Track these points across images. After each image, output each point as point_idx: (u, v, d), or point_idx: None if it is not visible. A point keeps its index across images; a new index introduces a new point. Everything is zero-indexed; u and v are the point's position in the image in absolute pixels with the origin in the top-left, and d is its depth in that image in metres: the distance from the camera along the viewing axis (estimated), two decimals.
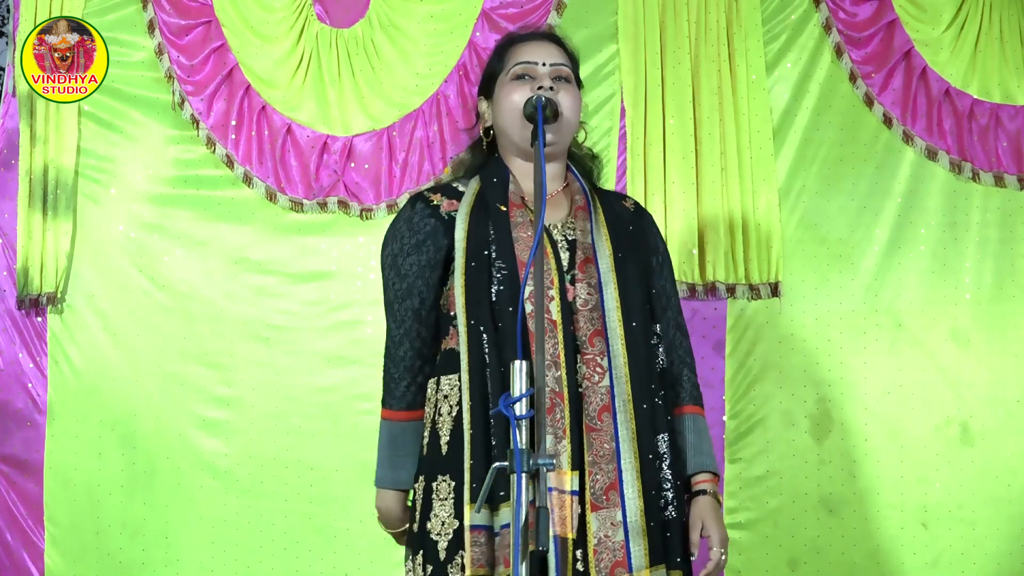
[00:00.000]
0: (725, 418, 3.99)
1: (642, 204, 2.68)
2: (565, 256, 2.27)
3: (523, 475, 1.80)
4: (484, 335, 2.19)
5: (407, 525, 2.35)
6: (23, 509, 3.95)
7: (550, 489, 2.09)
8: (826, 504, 3.97)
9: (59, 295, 3.98)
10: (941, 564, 3.95)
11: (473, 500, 2.13)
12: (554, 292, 2.21)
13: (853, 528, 3.96)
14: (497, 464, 1.89)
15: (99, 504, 3.95)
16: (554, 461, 1.83)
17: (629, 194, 3.90)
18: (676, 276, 2.47)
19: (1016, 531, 3.97)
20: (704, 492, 2.32)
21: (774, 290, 4.01)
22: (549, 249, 2.25)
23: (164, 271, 4.03)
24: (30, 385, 3.99)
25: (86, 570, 3.93)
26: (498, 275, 2.22)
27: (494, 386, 2.17)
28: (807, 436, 4.01)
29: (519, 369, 1.88)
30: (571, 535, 2.12)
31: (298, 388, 3.98)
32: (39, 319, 4.00)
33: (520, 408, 1.87)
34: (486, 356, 2.19)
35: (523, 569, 1.82)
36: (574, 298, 2.23)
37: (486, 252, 2.24)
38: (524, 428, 1.86)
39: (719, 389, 3.98)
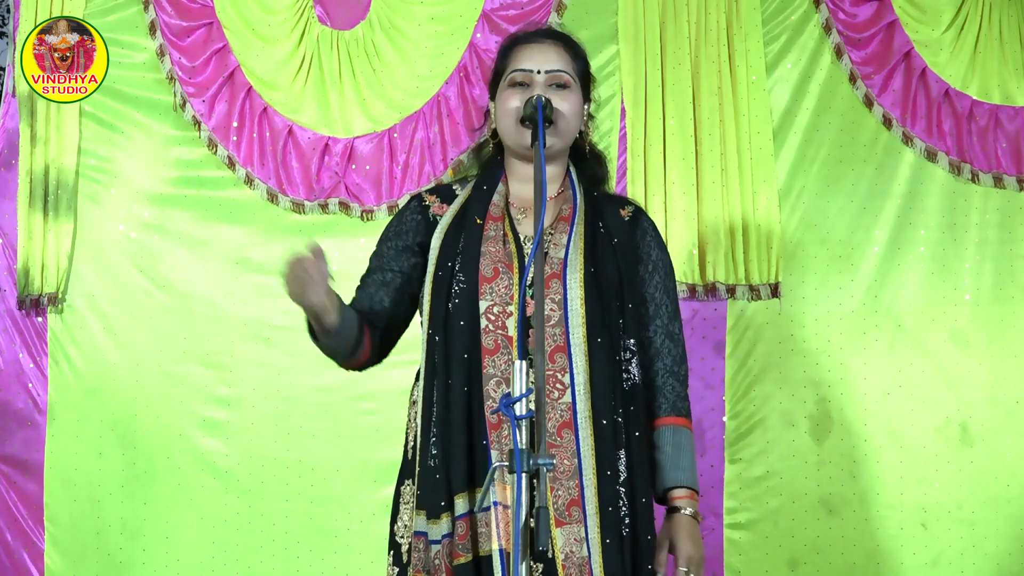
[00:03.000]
0: (725, 418, 3.99)
1: (643, 207, 2.64)
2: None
3: (523, 475, 1.81)
4: (437, 348, 2.21)
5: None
6: (23, 509, 3.95)
7: (495, 503, 2.09)
8: (826, 504, 3.98)
9: (59, 295, 3.98)
10: (941, 564, 3.96)
11: (417, 507, 2.17)
12: (513, 308, 2.19)
13: (853, 528, 3.96)
14: (497, 464, 1.89)
15: (99, 504, 3.95)
16: (554, 461, 1.83)
17: (629, 195, 3.91)
18: (677, 277, 2.43)
19: (1016, 531, 3.97)
20: (677, 509, 2.27)
21: (774, 291, 4.02)
22: (516, 264, 2.24)
23: (165, 271, 4.03)
24: (30, 385, 3.99)
25: (86, 570, 3.93)
26: (456, 288, 2.23)
27: (439, 399, 2.18)
28: (807, 436, 4.01)
29: (519, 369, 1.87)
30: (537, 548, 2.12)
31: (298, 388, 3.98)
32: (39, 319, 4.00)
33: (520, 408, 1.87)
34: (435, 368, 2.20)
35: (523, 570, 1.82)
36: (533, 313, 2.20)
37: (450, 264, 2.24)
38: (524, 428, 1.86)
39: (719, 389, 3.98)
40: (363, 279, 2.38)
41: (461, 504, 2.14)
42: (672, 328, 2.35)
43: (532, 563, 2.12)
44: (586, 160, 2.44)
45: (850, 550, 3.96)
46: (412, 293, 2.35)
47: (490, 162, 2.42)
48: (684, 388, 2.35)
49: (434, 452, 2.17)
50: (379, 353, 2.36)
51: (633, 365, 2.27)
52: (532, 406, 1.88)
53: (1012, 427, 4.02)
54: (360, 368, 2.37)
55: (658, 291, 2.36)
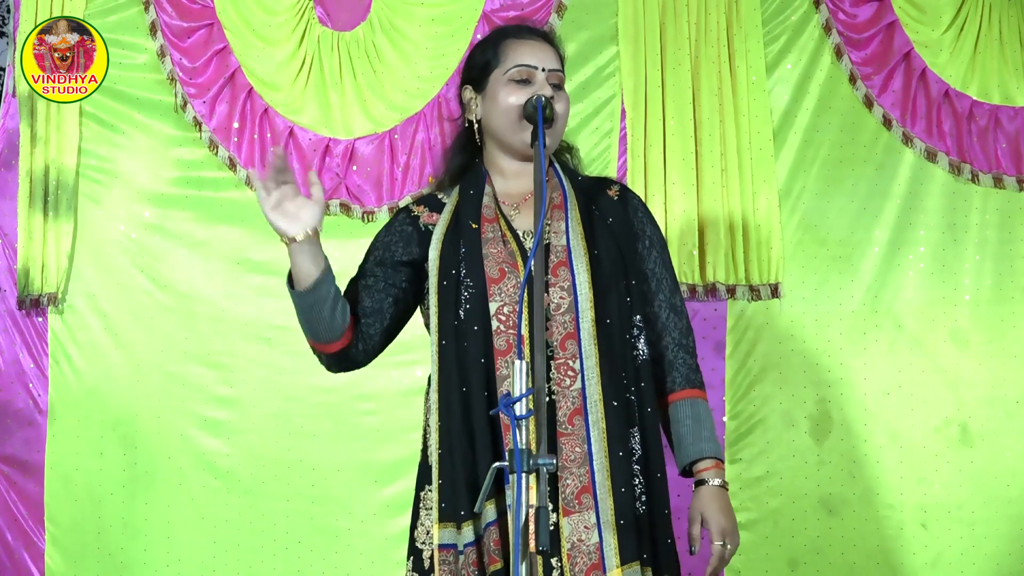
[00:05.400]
0: (725, 419, 3.99)
1: (630, 188, 2.64)
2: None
3: (523, 475, 1.81)
4: (449, 355, 2.21)
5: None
6: (24, 509, 3.95)
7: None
8: (826, 504, 3.98)
9: (60, 295, 3.99)
10: (941, 564, 3.96)
11: (441, 519, 2.15)
12: (522, 306, 2.17)
13: (853, 528, 3.97)
14: (497, 464, 1.89)
15: (100, 504, 3.95)
16: (554, 461, 1.83)
17: None
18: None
19: (1015, 531, 3.97)
20: (704, 482, 2.28)
21: (774, 291, 4.02)
22: (519, 261, 2.24)
23: (165, 271, 4.03)
24: (31, 385, 4.00)
25: (87, 570, 3.94)
26: (465, 293, 2.23)
27: (457, 407, 2.18)
28: (807, 436, 4.01)
29: (519, 369, 1.88)
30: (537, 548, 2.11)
31: (299, 388, 3.98)
32: (40, 319, 4.01)
33: (520, 408, 1.87)
34: (450, 376, 2.20)
35: (523, 570, 1.83)
36: (548, 305, 2.22)
37: (454, 271, 2.25)
38: (524, 428, 1.86)
39: (719, 390, 3.99)
40: (347, 286, 2.37)
41: (491, 510, 2.13)
42: (675, 301, 2.37)
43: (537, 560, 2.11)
44: (559, 148, 2.46)
45: (850, 550, 3.96)
46: (395, 297, 2.34)
47: (468, 164, 2.42)
48: (694, 359, 2.36)
49: (456, 462, 2.16)
50: (363, 347, 2.33)
51: (641, 342, 2.29)
52: (532, 406, 1.89)
53: (1012, 427, 4.02)
54: (342, 361, 2.33)
55: (657, 265, 2.38)
